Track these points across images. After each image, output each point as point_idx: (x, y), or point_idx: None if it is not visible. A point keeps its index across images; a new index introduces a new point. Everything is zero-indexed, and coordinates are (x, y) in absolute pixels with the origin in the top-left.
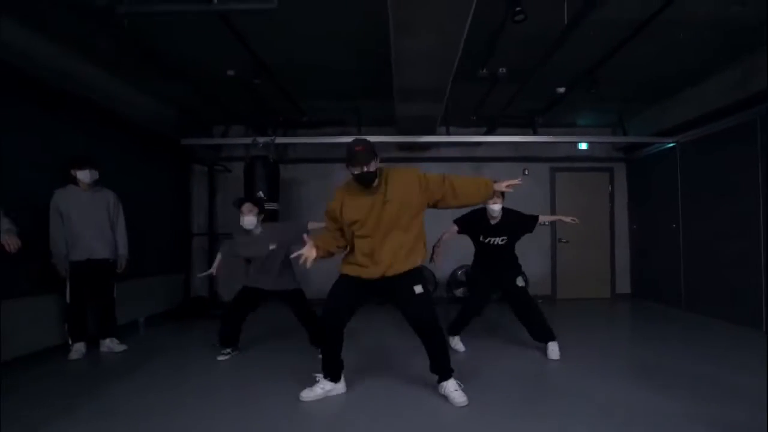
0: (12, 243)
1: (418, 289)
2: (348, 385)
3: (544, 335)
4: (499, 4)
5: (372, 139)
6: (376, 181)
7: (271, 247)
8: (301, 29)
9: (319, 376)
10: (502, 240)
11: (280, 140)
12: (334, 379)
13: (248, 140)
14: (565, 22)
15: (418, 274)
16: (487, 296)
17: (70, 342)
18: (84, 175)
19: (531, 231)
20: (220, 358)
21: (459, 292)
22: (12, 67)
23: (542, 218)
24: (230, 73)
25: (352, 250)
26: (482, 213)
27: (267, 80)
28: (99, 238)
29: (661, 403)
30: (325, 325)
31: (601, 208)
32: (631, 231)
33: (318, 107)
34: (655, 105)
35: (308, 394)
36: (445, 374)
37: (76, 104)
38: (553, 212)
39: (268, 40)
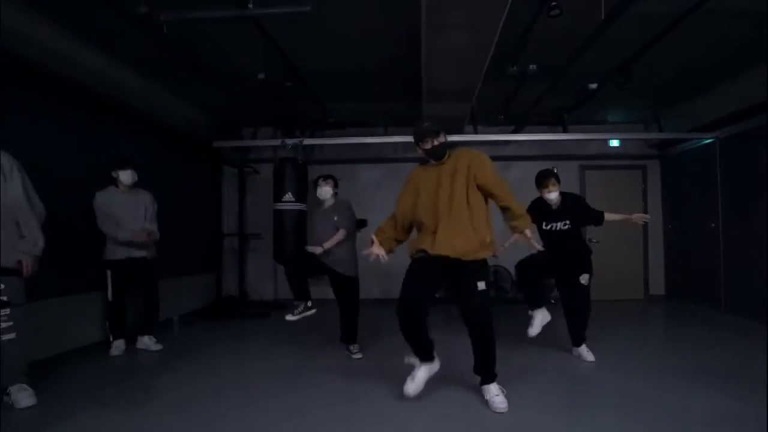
0: (29, 267)
1: (482, 285)
2: (394, 383)
3: (578, 339)
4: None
5: (398, 139)
6: (447, 154)
7: (336, 218)
8: (330, 31)
9: (413, 363)
10: (564, 225)
11: (308, 141)
12: (429, 359)
13: (277, 142)
14: (602, 16)
15: (484, 268)
16: (540, 271)
17: (111, 339)
18: (126, 176)
19: (598, 224)
20: (289, 317)
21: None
22: (54, 72)
23: (608, 216)
24: (260, 76)
25: (420, 230)
26: (542, 200)
27: (296, 82)
28: None
29: (693, 404)
30: (404, 316)
31: (633, 207)
32: (665, 230)
33: (344, 108)
34: (691, 100)
35: (412, 387)
36: (488, 377)
37: (114, 108)
38: None
39: (297, 43)
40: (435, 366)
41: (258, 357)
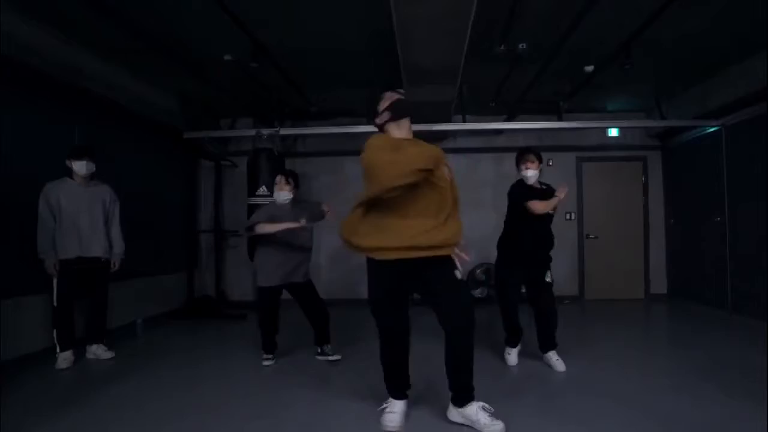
0: None
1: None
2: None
3: (549, 343)
4: None
5: None
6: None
7: (302, 221)
8: (307, 9)
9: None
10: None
11: (285, 131)
12: (401, 396)
13: (252, 132)
14: None
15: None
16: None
17: (57, 350)
18: (80, 167)
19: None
20: (265, 363)
21: (478, 292)
22: (11, 58)
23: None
24: (227, 57)
25: None
26: (523, 183)
27: (272, 68)
28: (91, 235)
29: (697, 411)
30: (379, 328)
31: (633, 200)
32: (667, 225)
33: (327, 97)
34: (696, 85)
35: (395, 420)
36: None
37: (75, 95)
38: (579, 206)
39: (272, 24)
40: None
41: (226, 366)
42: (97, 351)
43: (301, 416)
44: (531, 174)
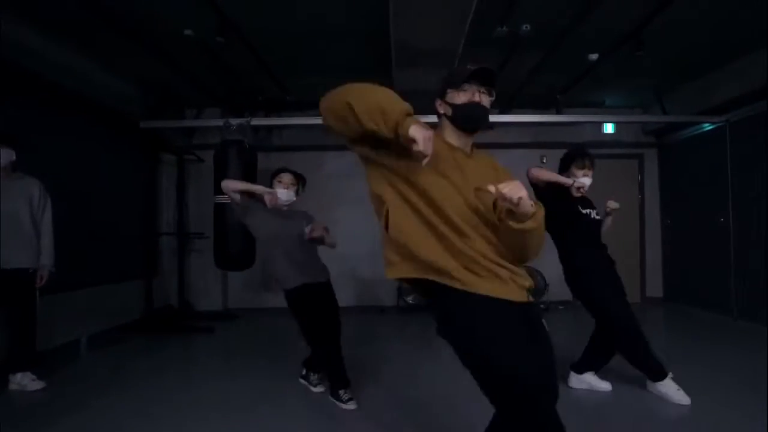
0: None
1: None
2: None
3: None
4: None
5: None
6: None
7: (307, 228)
8: None
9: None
10: (597, 214)
11: (256, 122)
12: None
13: (219, 122)
14: None
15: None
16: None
17: None
18: None
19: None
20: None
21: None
22: None
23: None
24: (187, 32)
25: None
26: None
27: (243, 49)
28: (14, 241)
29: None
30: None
31: (629, 200)
32: (663, 226)
33: (305, 84)
34: (697, 79)
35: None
36: None
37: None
38: None
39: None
40: None
41: (186, 397)
42: (23, 381)
43: None
44: (588, 182)
